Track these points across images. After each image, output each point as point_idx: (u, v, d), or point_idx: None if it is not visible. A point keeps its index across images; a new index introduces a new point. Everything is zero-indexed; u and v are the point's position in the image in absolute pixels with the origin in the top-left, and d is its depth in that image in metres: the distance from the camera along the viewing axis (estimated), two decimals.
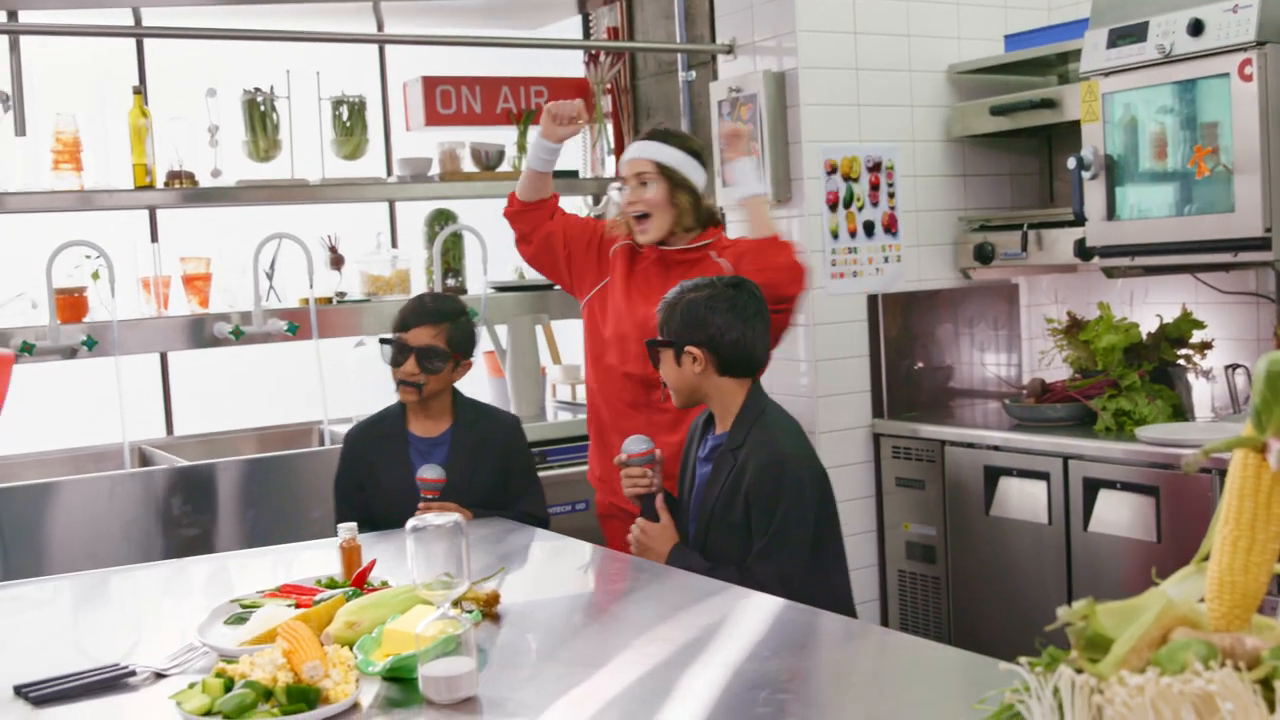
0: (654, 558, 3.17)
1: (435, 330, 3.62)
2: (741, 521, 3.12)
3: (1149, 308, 4.64)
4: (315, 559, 3.22)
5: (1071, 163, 4.19)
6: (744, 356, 3.24)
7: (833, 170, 4.81)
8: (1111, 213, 4.15)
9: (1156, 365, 4.33)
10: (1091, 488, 4.09)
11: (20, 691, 2.15)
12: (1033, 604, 4.29)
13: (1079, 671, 1.40)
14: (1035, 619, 4.18)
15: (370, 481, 3.66)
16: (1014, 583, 4.37)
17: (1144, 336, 4.40)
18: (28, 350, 4.49)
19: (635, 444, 3.24)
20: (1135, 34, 3.99)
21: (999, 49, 5.03)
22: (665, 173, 3.89)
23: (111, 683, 2.17)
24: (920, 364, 4.97)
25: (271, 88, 5.14)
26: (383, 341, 3.66)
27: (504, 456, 3.64)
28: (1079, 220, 4.26)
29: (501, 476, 3.65)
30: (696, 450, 3.36)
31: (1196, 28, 3.81)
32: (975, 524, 4.50)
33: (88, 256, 4.69)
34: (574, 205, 6.10)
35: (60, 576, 3.54)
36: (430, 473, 3.42)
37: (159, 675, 2.21)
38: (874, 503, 4.91)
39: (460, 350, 3.66)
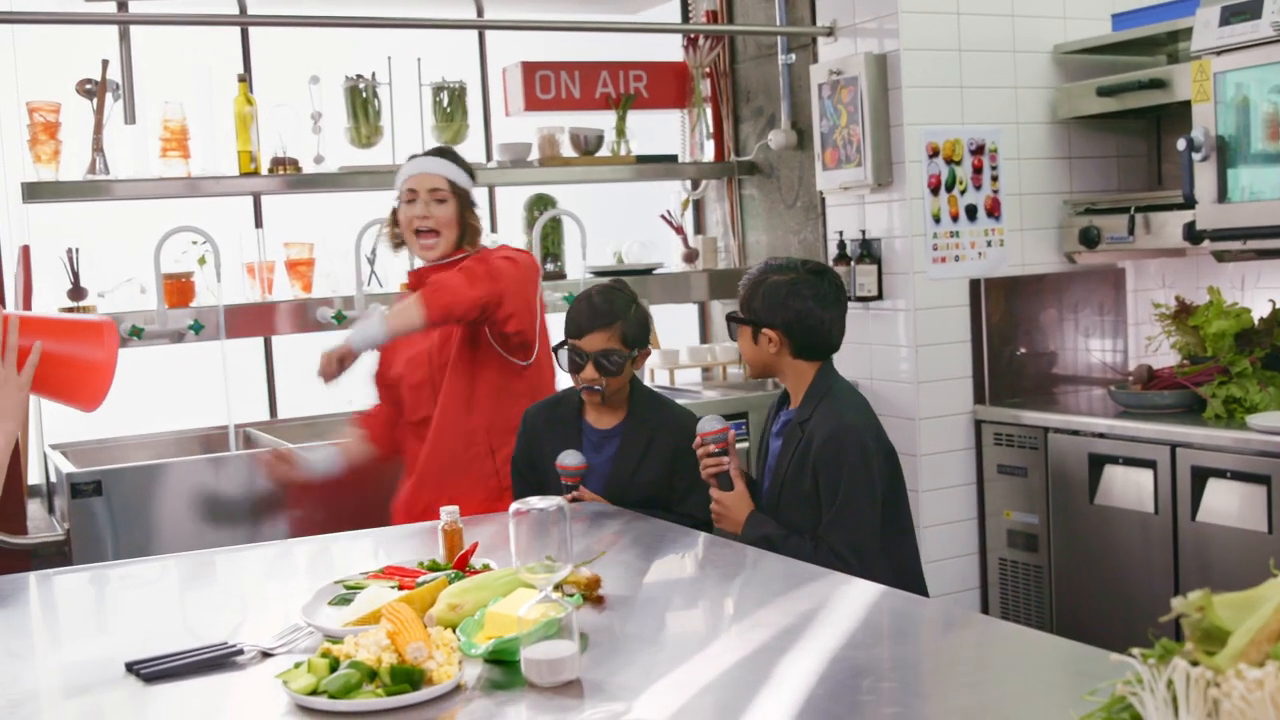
0: (730, 526, 3.27)
1: (609, 333, 3.54)
2: (811, 491, 3.21)
3: (1260, 292, 4.53)
4: (417, 541, 3.25)
5: (1181, 144, 4.10)
6: (820, 341, 3.31)
7: (935, 153, 4.75)
8: (1223, 195, 4.06)
9: (1269, 351, 4.23)
10: (1200, 477, 4.00)
11: (131, 668, 2.19)
12: (1138, 595, 4.22)
13: (1195, 664, 1.36)
14: (1140, 611, 4.14)
15: (541, 463, 3.67)
16: (1119, 573, 4.29)
17: (1255, 322, 4.30)
18: (137, 334, 4.59)
19: (710, 423, 3.27)
20: (1249, 11, 3.89)
21: (1106, 28, 4.94)
22: (457, 192, 3.84)
23: (219, 661, 2.20)
24: (1023, 350, 4.90)
25: (373, 74, 5.19)
26: (557, 349, 3.65)
27: (673, 455, 3.57)
28: (1189, 203, 4.17)
29: (668, 475, 3.58)
30: (770, 426, 3.45)
31: None
32: (1079, 512, 4.43)
33: (195, 242, 4.78)
34: (672, 189, 6.11)
35: (167, 556, 3.60)
36: (570, 459, 3.45)
37: (265, 654, 2.24)
38: (975, 490, 4.85)
39: (636, 345, 3.60)
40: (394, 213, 3.89)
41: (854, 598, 2.50)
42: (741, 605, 2.59)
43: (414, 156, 3.92)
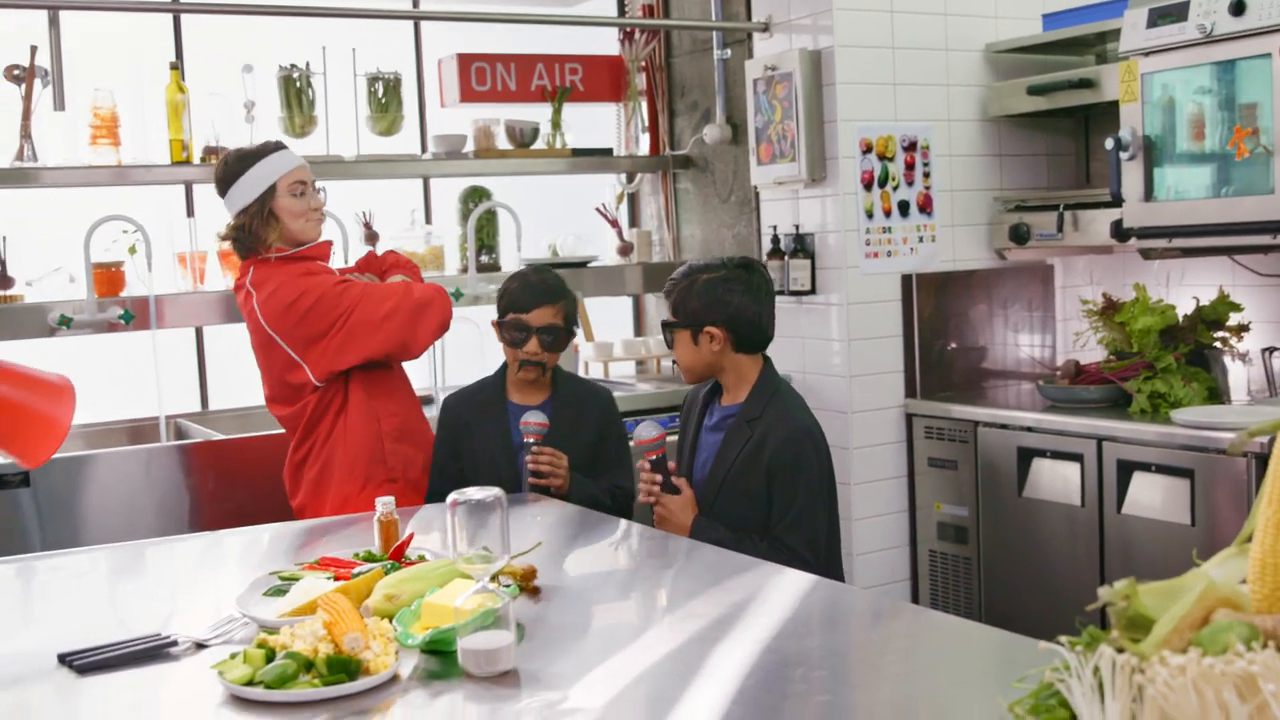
0: (676, 529, 3.29)
1: (555, 309, 3.69)
2: (761, 490, 3.25)
3: (1185, 290, 4.61)
4: (351, 533, 3.24)
5: (1109, 143, 4.17)
6: (760, 333, 3.38)
7: (868, 149, 4.80)
8: (1149, 194, 4.13)
9: (1193, 348, 4.31)
10: (1125, 470, 4.07)
11: (64, 660, 2.17)
12: (1064, 586, 4.29)
13: (1120, 651, 1.40)
14: (1067, 601, 4.21)
15: (467, 448, 3.74)
16: (1046, 564, 4.36)
17: (1180, 319, 4.38)
18: (66, 324, 4.53)
19: (648, 429, 3.32)
20: (1175, 13, 3.96)
21: (1036, 28, 5.00)
22: None
23: (153, 652, 2.19)
24: (954, 344, 4.96)
25: (308, 64, 5.16)
26: (498, 323, 3.71)
27: (599, 429, 3.71)
28: (1116, 201, 4.24)
29: (595, 448, 3.71)
30: (701, 420, 3.47)
31: (1238, 8, 3.78)
32: (1008, 505, 4.49)
33: (125, 231, 4.72)
34: (607, 182, 6.12)
35: (97, 548, 3.57)
36: (535, 417, 3.55)
37: (200, 645, 2.23)
38: (906, 483, 4.91)
39: (573, 323, 3.75)
40: (265, 206, 3.72)
41: (785, 588, 2.53)
42: (675, 596, 2.61)
43: (277, 150, 3.79)
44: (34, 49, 4.64)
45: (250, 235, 3.71)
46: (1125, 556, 4.07)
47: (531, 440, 3.56)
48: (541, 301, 3.68)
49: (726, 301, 3.30)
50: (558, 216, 5.92)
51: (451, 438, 3.79)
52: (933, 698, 1.92)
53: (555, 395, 3.75)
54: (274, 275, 3.68)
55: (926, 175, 4.91)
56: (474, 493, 2.12)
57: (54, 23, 4.65)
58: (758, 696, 1.94)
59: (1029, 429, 4.41)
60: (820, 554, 3.23)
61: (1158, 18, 4.02)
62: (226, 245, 5.00)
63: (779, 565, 2.71)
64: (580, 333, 5.47)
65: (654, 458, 3.39)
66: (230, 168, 3.74)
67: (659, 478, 3.35)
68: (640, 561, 2.94)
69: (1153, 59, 4.07)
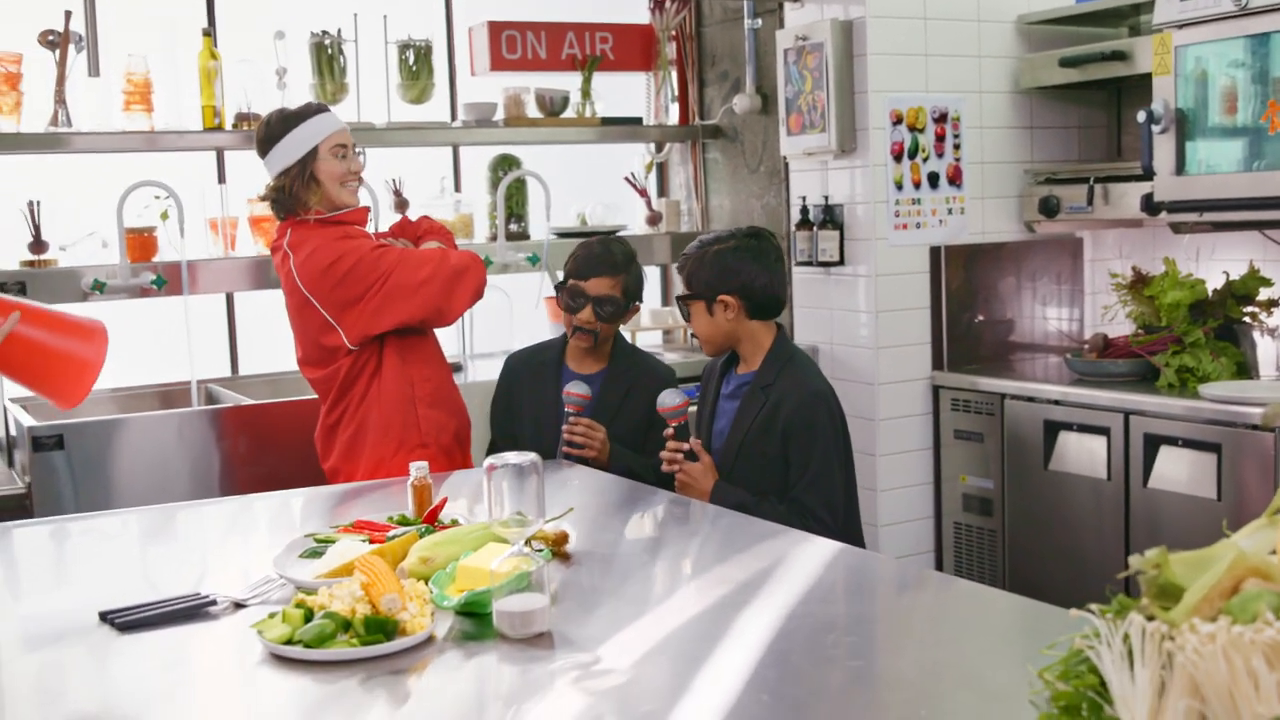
0: (696, 495, 3.33)
1: (613, 281, 3.74)
2: (778, 453, 3.32)
3: (1215, 264, 4.60)
4: (378, 497, 3.28)
5: (1141, 116, 4.16)
6: (773, 299, 3.45)
7: (898, 120, 4.79)
8: (1181, 167, 4.12)
9: (1222, 322, 4.31)
10: (1152, 444, 4.08)
11: (105, 617, 2.21)
12: (1090, 559, 4.30)
13: (1150, 619, 1.41)
14: (1092, 574, 4.22)
15: (517, 406, 3.79)
16: (1071, 537, 4.37)
17: (1210, 293, 4.37)
18: (99, 289, 4.57)
19: (671, 397, 3.36)
20: None
21: (1069, 0, 4.98)
22: None
23: (193, 611, 2.23)
24: (981, 317, 4.96)
25: (339, 31, 5.17)
26: (557, 286, 3.76)
27: (649, 407, 3.70)
28: (1147, 175, 4.23)
29: (644, 425, 3.74)
30: (718, 388, 3.54)
31: None
32: (1034, 478, 4.50)
33: (157, 197, 4.75)
34: (636, 151, 6.12)
35: (129, 510, 3.62)
36: (577, 388, 3.60)
37: (238, 605, 2.27)
38: (932, 455, 4.92)
39: (633, 298, 3.78)
40: (306, 168, 3.73)
41: (812, 555, 2.56)
42: (703, 561, 2.64)
43: (320, 112, 3.80)
44: (68, 15, 4.67)
45: (290, 196, 3.73)
46: (1151, 531, 4.08)
47: (570, 410, 3.60)
48: (600, 271, 3.73)
49: (738, 270, 3.38)
50: (587, 185, 5.93)
51: (506, 394, 3.87)
52: (962, 664, 1.94)
53: (611, 366, 3.78)
54: (312, 237, 3.70)
55: (957, 147, 4.91)
56: (511, 457, 2.15)
57: None
58: (790, 660, 1.96)
59: (1056, 402, 4.41)
60: (838, 515, 3.29)
61: None
62: (258, 210, 5.05)
63: (805, 533, 2.74)
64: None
65: (676, 424, 3.44)
66: (272, 128, 3.75)
67: (685, 446, 3.38)
68: (670, 528, 2.97)
69: (1186, 31, 4.05)
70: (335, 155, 3.72)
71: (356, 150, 3.81)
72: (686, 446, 3.39)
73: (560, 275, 3.91)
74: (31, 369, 2.45)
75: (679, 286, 5.68)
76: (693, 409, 3.50)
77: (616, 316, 3.75)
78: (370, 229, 3.97)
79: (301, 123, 3.72)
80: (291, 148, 3.70)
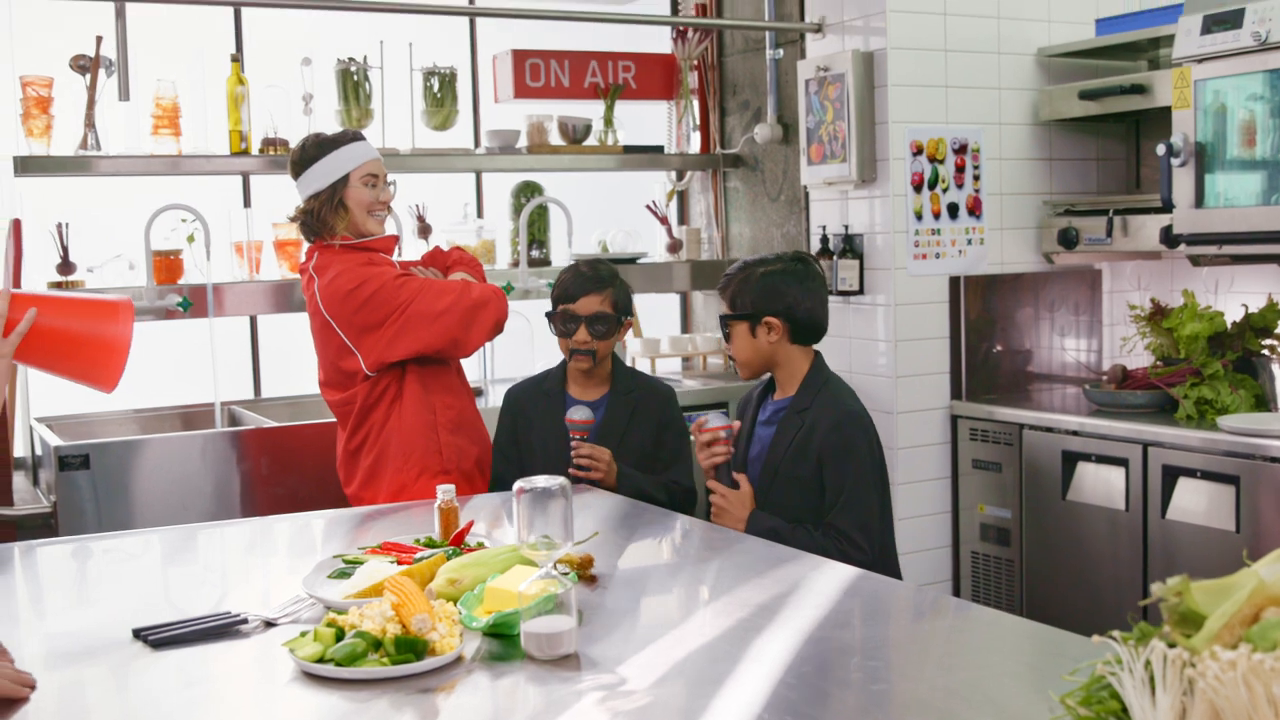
0: (732, 522, 3.32)
1: (601, 297, 3.78)
2: (812, 476, 3.32)
3: (1234, 296, 4.62)
4: (398, 520, 3.31)
5: (1161, 149, 4.19)
6: (816, 324, 3.46)
7: (918, 151, 4.83)
8: (1200, 200, 4.15)
9: (1240, 355, 4.33)
10: (1171, 475, 4.09)
11: (139, 634, 2.25)
12: (1107, 590, 4.31)
13: (1172, 646, 1.44)
14: (1109, 605, 4.23)
15: (525, 438, 3.83)
16: (1089, 568, 4.38)
17: (1228, 325, 4.39)
18: None
19: (716, 418, 3.35)
20: (1230, 21, 3.98)
21: (1089, 32, 5.02)
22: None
23: (225, 629, 2.26)
24: (1000, 347, 4.99)
25: (365, 58, 5.23)
26: (548, 315, 3.81)
27: (657, 426, 3.77)
28: (1166, 207, 4.26)
29: (653, 445, 3.79)
30: (754, 416, 3.53)
31: None
32: (1051, 508, 4.52)
33: (184, 220, 4.81)
34: (658, 179, 6.17)
35: (151, 530, 3.66)
36: (579, 414, 3.62)
37: (269, 624, 2.30)
38: (949, 484, 4.94)
39: (624, 312, 3.81)
40: (336, 194, 3.78)
41: (832, 579, 2.58)
42: (725, 585, 2.65)
43: (355, 140, 3.85)
44: (99, 40, 4.73)
45: (318, 220, 3.78)
46: (1169, 562, 4.09)
47: (575, 436, 3.63)
48: (588, 290, 3.77)
49: (783, 293, 3.38)
50: (608, 212, 5.98)
51: (512, 426, 3.89)
52: (984, 688, 1.96)
53: (613, 390, 3.82)
54: (336, 262, 3.75)
55: (976, 178, 4.94)
56: (540, 481, 2.18)
57: (120, 14, 4.74)
58: (812, 682, 1.99)
59: (1074, 433, 4.43)
60: (873, 538, 3.27)
61: (1212, 24, 4.04)
62: (283, 234, 5.10)
63: (823, 559, 2.76)
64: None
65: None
66: (308, 152, 3.81)
67: (727, 451, 3.36)
68: (691, 552, 3.00)
69: (1206, 65, 4.09)
70: (365, 184, 3.77)
71: (388, 181, 3.86)
72: (728, 452, 3.37)
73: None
74: (61, 359, 2.44)
75: (711, 309, 5.71)
76: (734, 426, 3.45)
77: (610, 333, 3.77)
78: (396, 257, 4.01)
79: (336, 149, 3.77)
80: (324, 172, 3.75)
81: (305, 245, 3.95)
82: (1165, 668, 1.42)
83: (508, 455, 3.87)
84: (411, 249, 5.20)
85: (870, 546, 3.24)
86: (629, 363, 5.74)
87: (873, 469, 3.34)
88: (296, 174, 3.82)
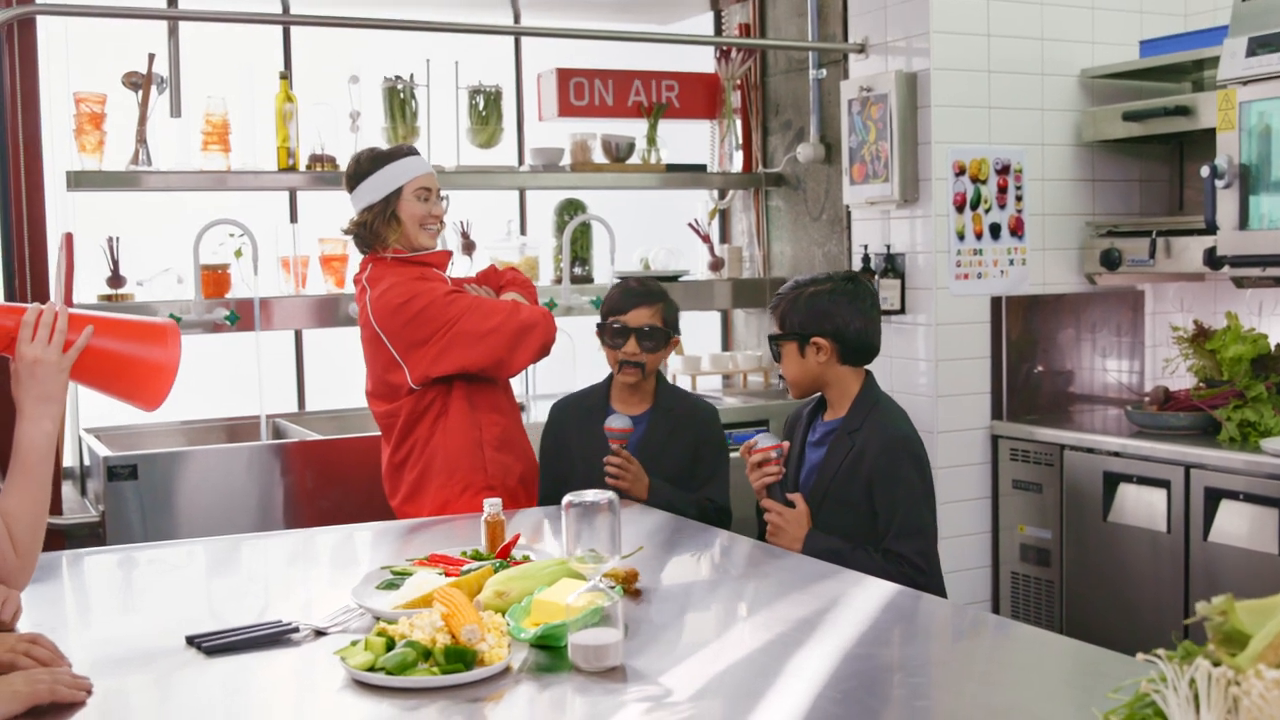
0: (788, 541, 3.29)
1: (652, 310, 3.80)
2: (862, 499, 3.29)
3: (1278, 319, 4.61)
4: (442, 533, 3.34)
5: (1205, 171, 4.18)
6: (866, 345, 3.43)
7: (961, 171, 4.84)
8: (1244, 222, 4.14)
9: None
10: (1213, 498, 4.08)
11: (192, 641, 2.29)
12: (1147, 612, 4.30)
13: (1217, 664, 1.45)
14: (1149, 627, 4.22)
15: (567, 452, 3.87)
16: (1130, 590, 4.37)
17: (1272, 348, 4.38)
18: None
19: (767, 439, 3.35)
20: (1276, 43, 3.98)
21: (1133, 54, 5.02)
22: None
23: (276, 637, 2.30)
24: (1041, 368, 4.99)
25: (411, 76, 5.29)
26: (599, 327, 3.85)
27: (695, 443, 3.78)
28: (1210, 229, 4.25)
29: (690, 462, 3.79)
30: (805, 436, 3.52)
31: None
32: (1092, 529, 4.51)
33: (232, 234, 4.87)
34: (700, 198, 6.20)
35: (196, 540, 3.70)
36: (617, 422, 3.64)
37: (319, 633, 2.34)
38: (990, 504, 4.93)
39: (673, 328, 3.84)
40: (389, 207, 3.81)
41: (874, 596, 2.60)
42: (769, 600, 2.67)
43: (410, 155, 3.89)
44: (151, 57, 4.80)
45: (371, 233, 3.83)
46: (1210, 585, 4.08)
47: (614, 445, 3.66)
48: (639, 303, 3.81)
49: (832, 313, 3.36)
50: (651, 230, 6.02)
51: (555, 441, 3.93)
52: (1029, 706, 1.98)
53: (655, 406, 3.84)
54: (389, 274, 3.79)
55: (1019, 199, 4.95)
56: (588, 495, 2.21)
57: (173, 32, 4.83)
58: (859, 699, 2.00)
59: (1116, 454, 4.42)
60: (934, 563, 3.26)
61: (1257, 46, 4.04)
62: (329, 249, 5.16)
63: (861, 574, 2.77)
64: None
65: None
66: (362, 165, 3.86)
67: (779, 472, 3.36)
68: (733, 567, 3.02)
69: (1251, 88, 4.09)
70: (418, 197, 3.81)
71: (441, 196, 3.90)
72: (780, 472, 3.37)
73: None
74: (110, 378, 2.49)
75: (751, 327, 5.73)
76: (785, 445, 3.44)
77: (659, 346, 3.79)
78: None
79: (390, 163, 3.82)
80: (377, 186, 3.80)
81: (360, 258, 3.98)
82: (1210, 686, 1.44)
83: (553, 470, 3.91)
84: (455, 267, 5.24)
85: (931, 570, 3.23)
86: (670, 380, 5.77)
87: (924, 493, 3.31)
88: (351, 187, 3.86)
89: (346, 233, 3.94)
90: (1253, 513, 3.96)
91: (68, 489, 4.77)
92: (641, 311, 3.79)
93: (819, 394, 3.50)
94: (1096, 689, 1.99)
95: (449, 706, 1.97)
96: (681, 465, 3.76)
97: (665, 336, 3.80)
